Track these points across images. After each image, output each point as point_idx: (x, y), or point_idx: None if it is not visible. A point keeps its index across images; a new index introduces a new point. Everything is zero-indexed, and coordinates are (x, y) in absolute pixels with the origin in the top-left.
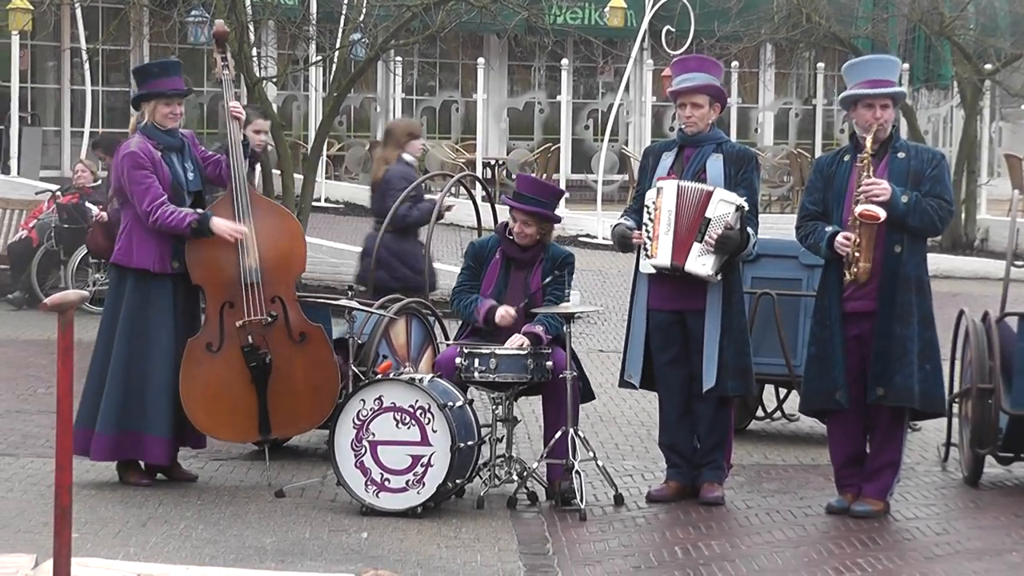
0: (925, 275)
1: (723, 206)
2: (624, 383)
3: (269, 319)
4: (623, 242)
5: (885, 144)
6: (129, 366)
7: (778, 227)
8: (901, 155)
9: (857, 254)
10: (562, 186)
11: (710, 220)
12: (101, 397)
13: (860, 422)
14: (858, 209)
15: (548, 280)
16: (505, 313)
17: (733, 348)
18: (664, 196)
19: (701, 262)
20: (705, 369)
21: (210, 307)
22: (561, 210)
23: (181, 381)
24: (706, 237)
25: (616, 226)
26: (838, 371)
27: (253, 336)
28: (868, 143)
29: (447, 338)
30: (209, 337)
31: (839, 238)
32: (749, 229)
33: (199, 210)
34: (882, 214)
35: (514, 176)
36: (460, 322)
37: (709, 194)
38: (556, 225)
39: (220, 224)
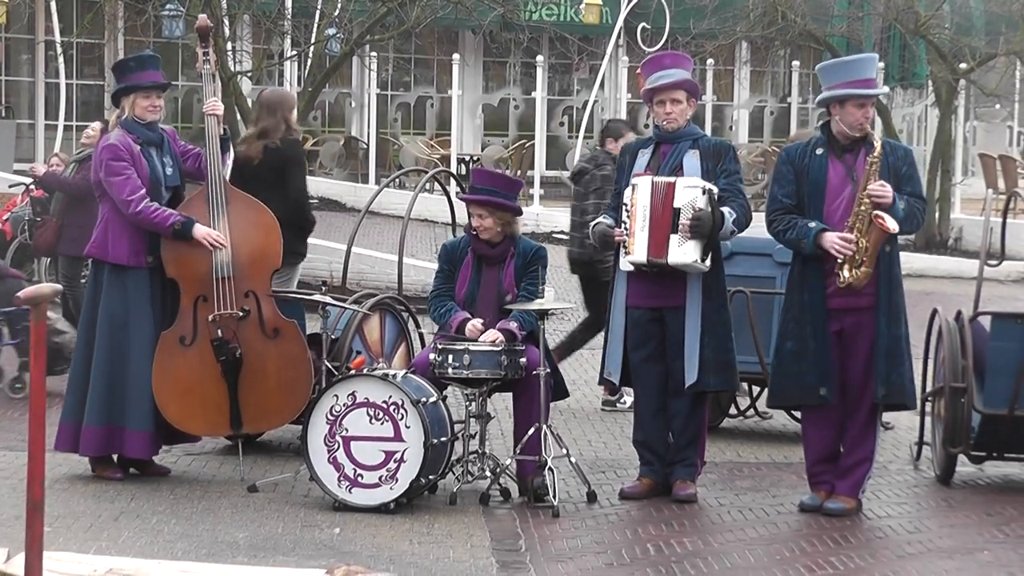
0: (901, 273)
1: (688, 192)
2: (604, 380)
3: (240, 313)
4: (604, 241)
5: (859, 140)
6: (110, 360)
7: (752, 225)
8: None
9: (864, 258)
10: (536, 183)
11: (679, 209)
12: (85, 390)
13: (838, 419)
14: (875, 212)
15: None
16: (472, 327)
17: (714, 343)
18: (639, 193)
19: (683, 251)
20: (687, 365)
21: (184, 301)
22: (535, 206)
23: (154, 373)
24: (680, 226)
25: (595, 225)
26: (824, 367)
27: (223, 330)
28: (878, 147)
29: (419, 328)
30: (182, 330)
31: (836, 239)
32: (724, 208)
33: (183, 214)
34: (894, 227)
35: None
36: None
37: (672, 185)
38: (526, 220)
39: (201, 231)
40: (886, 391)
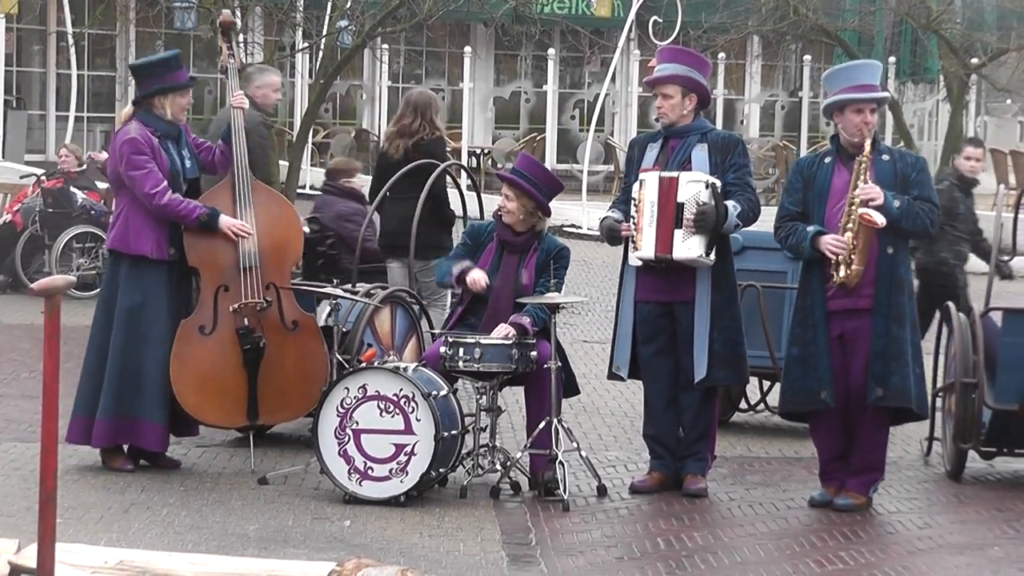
0: (911, 277)
1: (691, 187)
2: (612, 375)
3: (265, 304)
4: (611, 235)
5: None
6: (126, 352)
7: (763, 220)
8: (885, 157)
9: (853, 256)
10: None
11: (683, 204)
12: (97, 385)
13: (842, 421)
14: (860, 211)
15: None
16: (475, 279)
17: (724, 338)
18: (646, 188)
19: (687, 246)
20: (696, 360)
21: (205, 290)
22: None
23: (172, 362)
24: (684, 221)
25: (604, 219)
26: (823, 371)
27: (249, 319)
28: (867, 147)
29: (432, 327)
30: (202, 319)
31: (829, 240)
32: (728, 202)
33: (208, 205)
34: (881, 221)
35: (500, 165)
36: (447, 312)
37: (675, 180)
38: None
39: (226, 221)
40: (883, 393)
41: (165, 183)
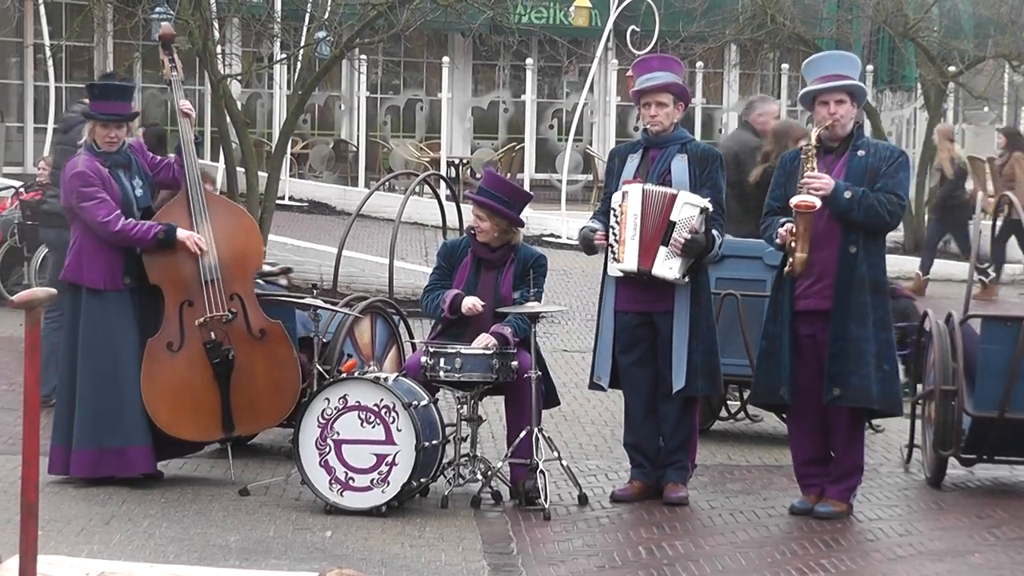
0: (882, 275)
1: (688, 209)
2: (593, 385)
3: (230, 315)
4: (588, 245)
5: (846, 141)
6: (96, 381)
7: None
8: (861, 153)
9: (793, 244)
10: (526, 186)
11: (675, 223)
12: (72, 413)
13: (818, 421)
14: (794, 200)
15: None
16: (472, 304)
17: (702, 348)
18: (629, 200)
19: (668, 266)
20: (675, 370)
21: (169, 307)
22: (526, 212)
23: (142, 381)
24: (672, 241)
25: (582, 229)
26: (783, 368)
27: (215, 332)
28: (814, 135)
29: (412, 337)
30: (169, 336)
31: (781, 229)
32: (714, 231)
33: (162, 222)
34: (817, 203)
35: (479, 175)
36: (430, 323)
37: (673, 197)
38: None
39: (184, 232)
40: (841, 392)
41: (118, 211)
